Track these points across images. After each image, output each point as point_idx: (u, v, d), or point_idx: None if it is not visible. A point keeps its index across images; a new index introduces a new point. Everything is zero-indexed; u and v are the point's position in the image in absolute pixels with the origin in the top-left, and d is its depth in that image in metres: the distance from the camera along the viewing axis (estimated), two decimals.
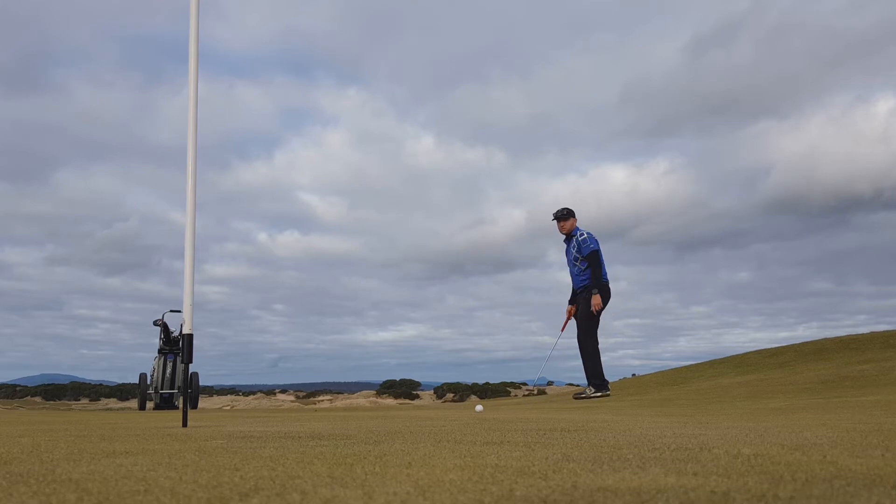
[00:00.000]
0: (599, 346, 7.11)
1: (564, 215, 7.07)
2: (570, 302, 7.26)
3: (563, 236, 7.19)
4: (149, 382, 10.05)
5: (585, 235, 6.97)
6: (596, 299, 6.80)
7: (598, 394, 6.94)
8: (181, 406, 2.98)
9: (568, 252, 7.15)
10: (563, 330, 7.24)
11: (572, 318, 7.16)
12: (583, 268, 6.96)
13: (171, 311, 10.32)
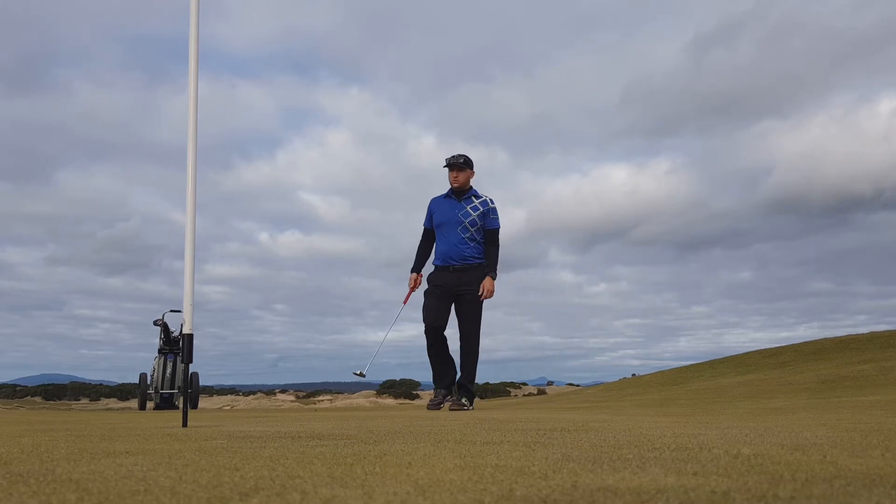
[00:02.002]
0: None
1: (462, 164, 5.59)
2: (417, 269, 5.82)
3: (449, 190, 5.66)
4: (149, 382, 10.04)
5: (496, 205, 5.64)
6: (492, 285, 5.52)
7: (471, 407, 5.47)
8: (181, 406, 2.98)
9: (452, 212, 5.57)
10: (405, 302, 5.84)
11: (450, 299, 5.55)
12: (478, 239, 5.56)
13: (172, 310, 10.32)
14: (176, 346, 10.00)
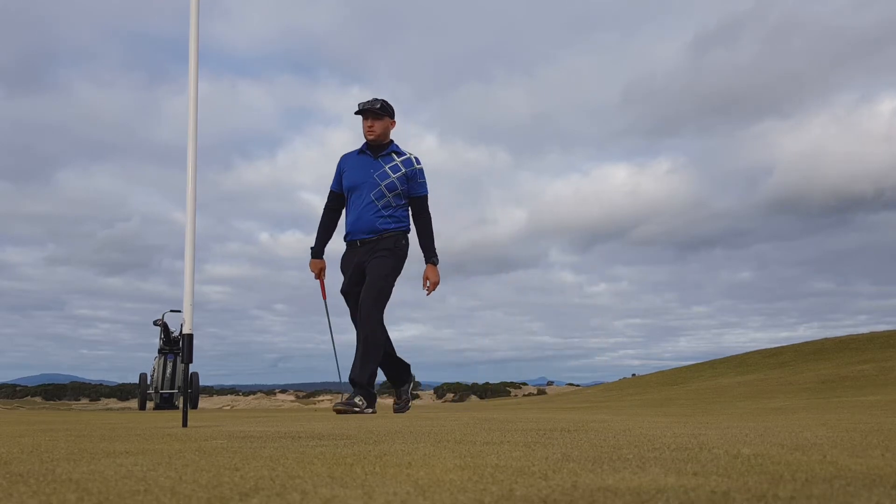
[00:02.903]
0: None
1: (379, 111, 4.39)
2: (318, 254, 4.65)
3: (364, 144, 4.49)
4: (149, 382, 10.05)
5: (422, 165, 4.49)
6: (437, 275, 4.39)
7: (370, 410, 4.24)
8: (181, 406, 2.98)
9: (366, 173, 4.39)
10: (324, 297, 4.74)
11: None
12: (396, 207, 4.42)
13: (172, 310, 10.33)
14: (176, 346, 10.01)
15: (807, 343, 18.15)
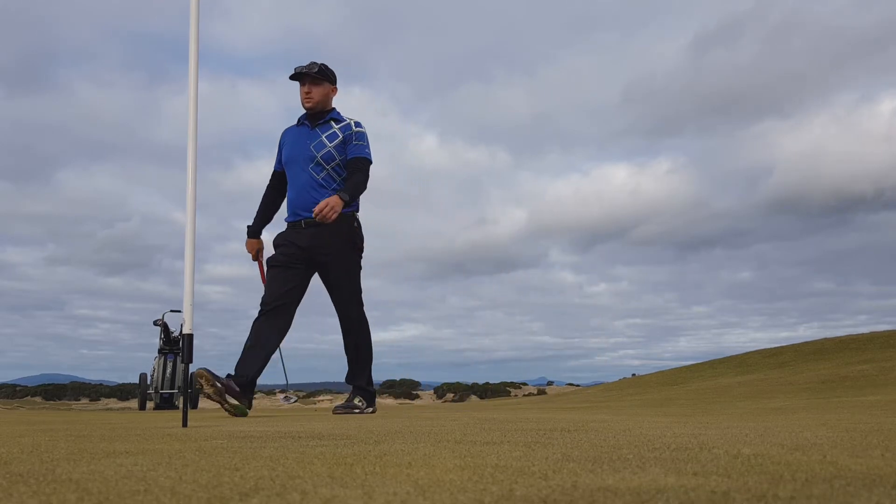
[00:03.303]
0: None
1: (317, 75, 4.01)
2: (255, 233, 4.27)
3: (303, 114, 4.12)
4: (149, 382, 10.05)
5: (363, 129, 4.05)
6: (335, 204, 3.80)
7: (370, 409, 4.17)
8: (181, 406, 2.98)
9: (303, 145, 4.00)
10: (264, 281, 4.23)
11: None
12: (338, 178, 3.98)
13: (172, 310, 10.33)
14: (176, 346, 10.01)
15: (807, 343, 18.15)
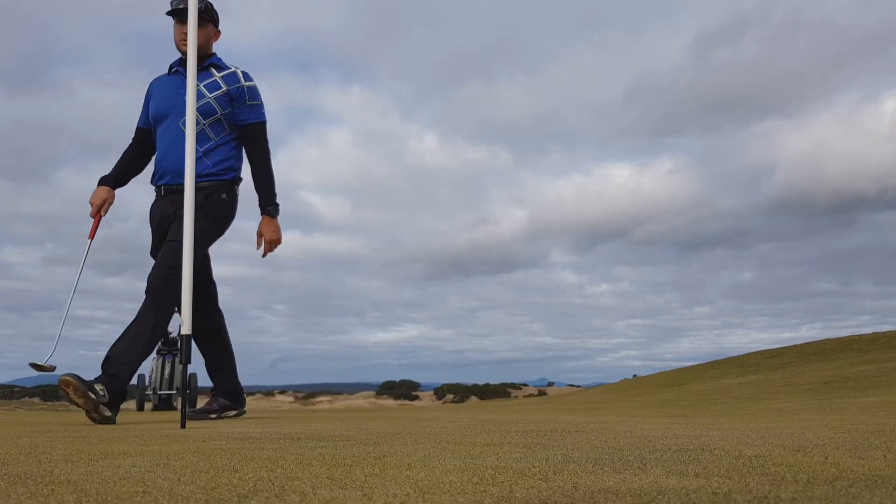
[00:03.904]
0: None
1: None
2: (105, 181, 3.52)
3: (177, 60, 3.45)
4: (147, 383, 10.05)
5: (254, 83, 3.41)
6: (275, 231, 3.38)
7: (234, 412, 3.69)
8: (179, 407, 2.96)
9: (175, 96, 3.34)
10: (91, 236, 3.48)
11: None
12: (214, 138, 3.34)
13: None
14: (174, 347, 10.01)
15: (809, 344, 18.16)
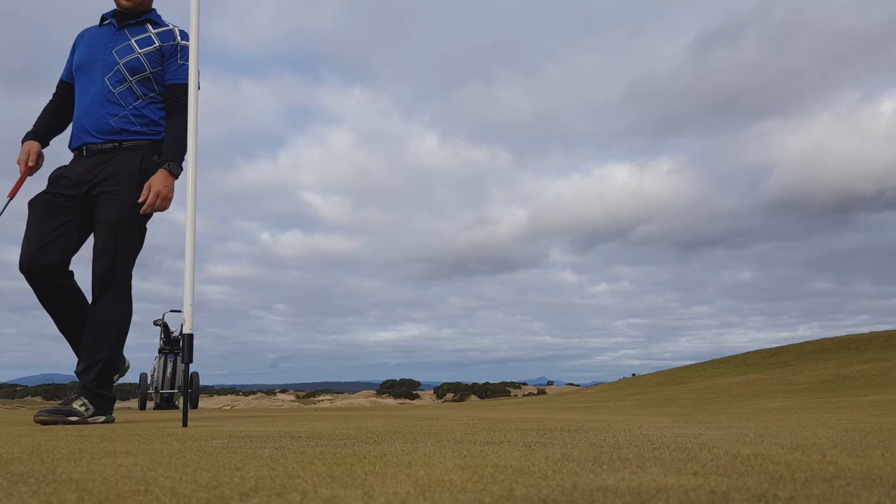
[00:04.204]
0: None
1: None
2: (32, 134, 3.27)
3: (111, 12, 3.24)
4: (149, 382, 10.06)
5: (188, 43, 3.20)
6: (166, 186, 3.01)
7: (101, 417, 3.01)
8: (181, 406, 2.96)
9: (103, 49, 3.13)
10: (12, 195, 3.21)
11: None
12: (140, 96, 3.13)
13: (172, 310, 10.33)
14: (176, 346, 10.02)
15: (807, 343, 18.17)
